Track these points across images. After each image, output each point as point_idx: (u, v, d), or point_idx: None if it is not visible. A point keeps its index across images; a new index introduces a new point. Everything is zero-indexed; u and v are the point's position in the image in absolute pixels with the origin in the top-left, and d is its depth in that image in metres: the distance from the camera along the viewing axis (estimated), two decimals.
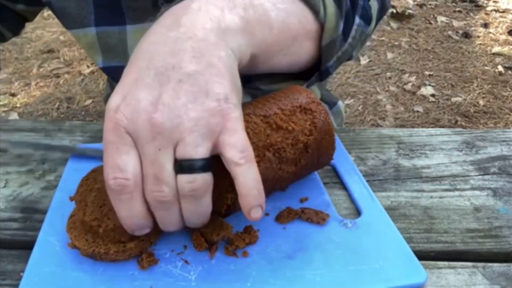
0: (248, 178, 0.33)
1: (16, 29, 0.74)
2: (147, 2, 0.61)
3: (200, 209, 0.34)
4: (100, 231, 0.36)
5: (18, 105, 2.21)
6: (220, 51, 0.34)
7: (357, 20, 0.51)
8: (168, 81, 0.32)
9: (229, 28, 0.37)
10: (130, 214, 0.33)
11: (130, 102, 0.32)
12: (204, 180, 0.32)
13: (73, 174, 0.48)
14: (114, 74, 0.70)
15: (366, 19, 0.53)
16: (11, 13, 0.71)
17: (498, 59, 2.54)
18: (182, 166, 0.32)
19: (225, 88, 0.33)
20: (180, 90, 0.32)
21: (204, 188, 0.33)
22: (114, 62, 0.67)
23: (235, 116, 0.33)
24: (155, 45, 0.34)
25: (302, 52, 0.47)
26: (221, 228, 0.38)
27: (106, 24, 0.65)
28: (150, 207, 0.33)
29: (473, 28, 2.86)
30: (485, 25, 2.89)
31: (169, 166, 0.32)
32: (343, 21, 0.48)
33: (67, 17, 0.67)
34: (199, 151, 0.32)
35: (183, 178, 0.32)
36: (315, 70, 0.50)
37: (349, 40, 0.51)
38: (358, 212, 0.43)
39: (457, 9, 3.08)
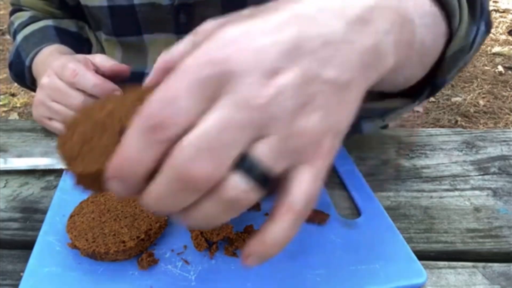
0: (281, 231, 0.26)
1: None
2: (165, 14, 0.62)
3: (218, 219, 0.26)
4: None
5: (18, 105, 2.21)
6: (364, 78, 0.27)
7: (482, 26, 0.44)
8: (304, 67, 0.24)
9: (384, 55, 0.28)
10: (138, 160, 0.24)
11: (250, 44, 0.24)
12: (253, 199, 0.25)
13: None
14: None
15: (489, 24, 0.46)
16: None
17: (498, 59, 2.54)
18: (245, 163, 0.24)
19: (343, 122, 0.26)
20: (309, 87, 0.24)
21: (246, 205, 0.25)
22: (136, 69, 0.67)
23: (329, 161, 0.26)
24: (312, 19, 0.25)
25: (420, 71, 0.38)
26: (221, 228, 0.38)
27: (123, 34, 0.67)
28: (162, 175, 0.24)
29: None
30: None
31: (235, 151, 0.23)
32: (476, 26, 0.40)
33: (95, 21, 0.69)
34: (276, 163, 0.24)
35: (236, 178, 0.24)
36: (426, 83, 0.40)
37: (473, 49, 0.42)
38: (358, 212, 0.43)
39: None
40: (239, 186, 0.24)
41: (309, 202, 0.26)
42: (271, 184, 0.25)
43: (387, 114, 0.43)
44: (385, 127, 0.54)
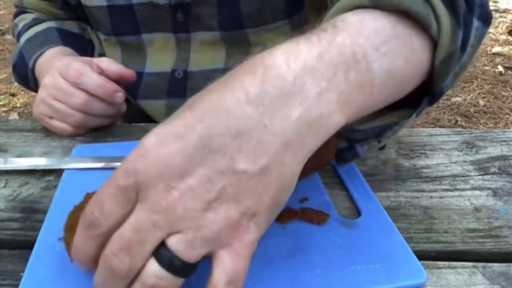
0: None
1: None
2: (163, 13, 0.62)
3: None
4: None
5: (18, 105, 2.21)
6: (287, 156, 0.28)
7: (476, 23, 0.40)
8: (211, 165, 0.27)
9: (320, 118, 0.29)
10: (81, 248, 0.30)
11: (158, 155, 0.27)
12: (173, 284, 0.28)
13: (73, 174, 0.48)
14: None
15: (485, 18, 0.42)
16: None
17: (498, 59, 2.54)
18: (162, 256, 0.28)
19: (260, 204, 0.28)
20: (216, 184, 0.27)
21: None
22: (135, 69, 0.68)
23: (249, 240, 0.28)
24: (224, 112, 0.28)
25: (408, 89, 0.37)
26: None
27: (122, 33, 0.67)
28: (99, 262, 0.30)
29: None
30: None
31: (149, 247, 0.28)
32: (461, 29, 0.38)
33: (95, 21, 0.69)
34: (191, 254, 0.28)
35: (154, 268, 0.28)
36: (424, 91, 0.39)
37: (468, 49, 0.40)
38: (358, 212, 0.43)
39: None
40: (157, 274, 0.28)
41: (232, 281, 0.28)
42: (192, 270, 0.29)
43: (383, 133, 0.41)
44: (383, 147, 0.53)
